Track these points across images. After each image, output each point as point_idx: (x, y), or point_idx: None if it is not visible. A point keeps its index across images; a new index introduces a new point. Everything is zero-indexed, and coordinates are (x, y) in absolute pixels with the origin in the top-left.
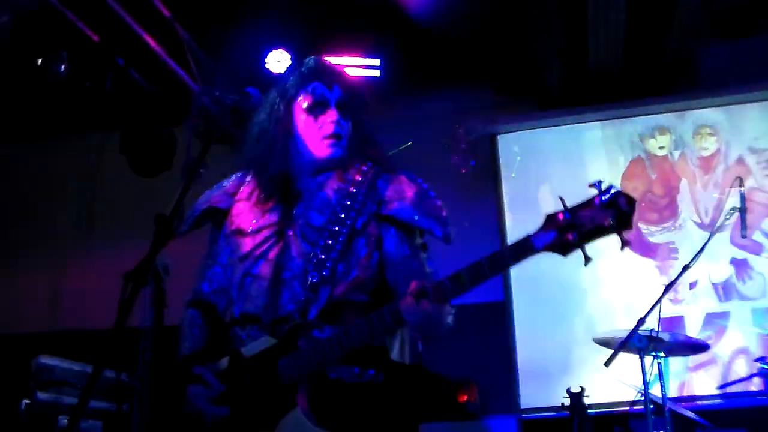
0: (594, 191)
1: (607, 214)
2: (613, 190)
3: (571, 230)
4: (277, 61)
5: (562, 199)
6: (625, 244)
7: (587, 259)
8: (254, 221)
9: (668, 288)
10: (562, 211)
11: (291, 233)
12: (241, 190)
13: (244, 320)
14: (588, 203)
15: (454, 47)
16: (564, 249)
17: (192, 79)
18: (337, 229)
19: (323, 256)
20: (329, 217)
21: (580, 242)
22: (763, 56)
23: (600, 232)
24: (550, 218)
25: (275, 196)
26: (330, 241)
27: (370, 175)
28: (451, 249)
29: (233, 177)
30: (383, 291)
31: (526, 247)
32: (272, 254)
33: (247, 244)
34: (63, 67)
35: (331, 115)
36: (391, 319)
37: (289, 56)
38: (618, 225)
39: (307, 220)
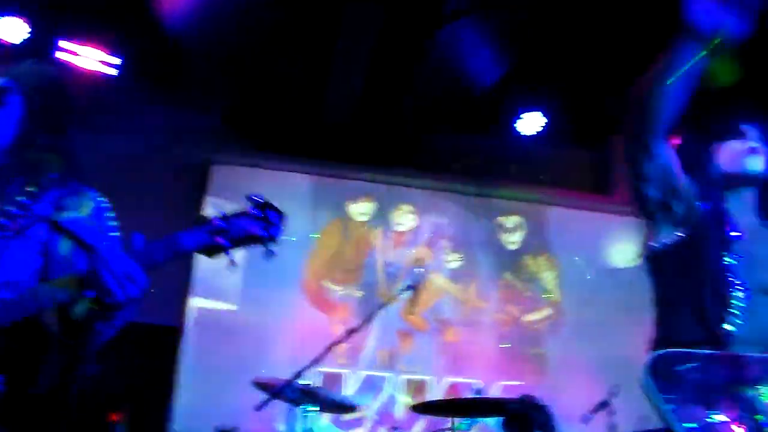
0: (250, 203)
1: (258, 225)
2: (266, 204)
3: (222, 235)
4: (11, 29)
5: (220, 211)
6: (270, 254)
7: (232, 263)
8: None
9: (331, 347)
10: (216, 217)
11: None
12: None
13: None
14: (242, 213)
15: (196, 67)
16: (212, 251)
17: None
18: (3, 224)
19: None
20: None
21: (228, 247)
22: (489, 153)
23: (249, 240)
24: (203, 221)
25: None
26: None
27: (55, 179)
28: None
29: None
30: None
31: (175, 245)
32: None
33: None
34: None
35: None
36: (42, 300)
37: (27, 27)
38: (266, 236)
39: None
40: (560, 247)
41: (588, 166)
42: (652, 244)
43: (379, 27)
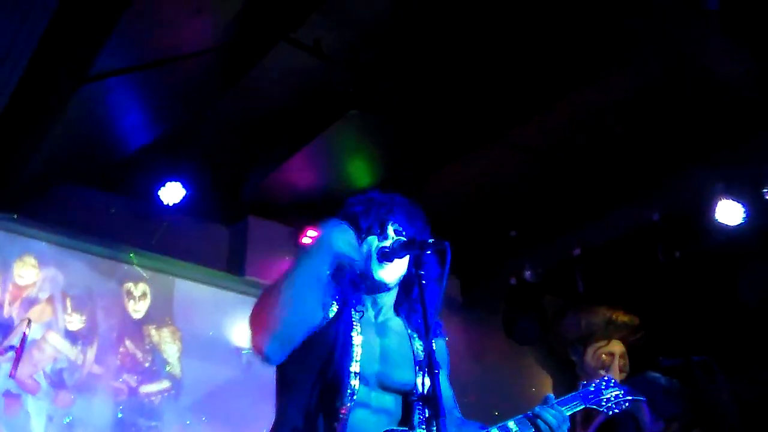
0: None
1: None
2: None
3: None
4: None
5: None
6: None
7: None
8: None
9: None
10: None
11: None
12: None
13: None
14: None
15: None
16: None
17: None
18: None
19: None
20: None
21: None
22: (126, 216)
23: None
24: None
25: None
26: None
27: None
28: None
29: None
30: None
31: None
32: None
33: None
34: None
35: None
36: None
37: None
38: None
39: None
40: (186, 322)
41: (224, 243)
42: None
43: (22, 67)
